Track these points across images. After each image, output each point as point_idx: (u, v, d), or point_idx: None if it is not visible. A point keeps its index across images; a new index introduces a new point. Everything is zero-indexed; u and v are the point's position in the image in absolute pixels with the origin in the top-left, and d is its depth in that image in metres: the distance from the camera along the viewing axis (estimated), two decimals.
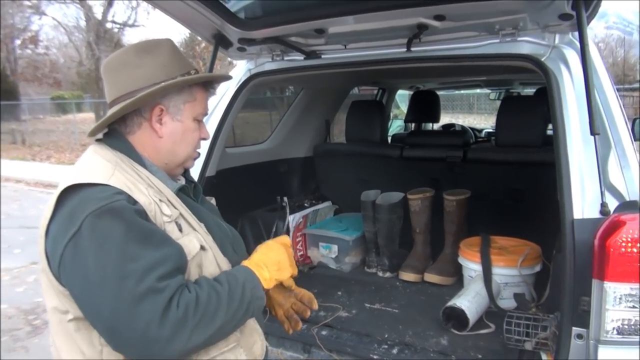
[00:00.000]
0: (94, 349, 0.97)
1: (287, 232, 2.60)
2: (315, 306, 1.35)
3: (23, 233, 5.73)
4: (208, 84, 1.19)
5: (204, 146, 1.97)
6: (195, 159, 1.20)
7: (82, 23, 20.16)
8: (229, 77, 1.40)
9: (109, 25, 19.86)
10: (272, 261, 1.12)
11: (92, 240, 0.90)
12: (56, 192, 0.97)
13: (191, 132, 1.14)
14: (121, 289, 0.87)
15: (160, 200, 1.04)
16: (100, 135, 1.13)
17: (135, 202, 0.97)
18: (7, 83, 19.64)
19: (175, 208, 1.07)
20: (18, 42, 19.64)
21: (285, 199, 2.65)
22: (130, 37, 20.98)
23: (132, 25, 20.49)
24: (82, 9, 19.13)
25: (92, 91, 20.97)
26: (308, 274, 2.57)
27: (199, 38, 2.16)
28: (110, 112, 1.07)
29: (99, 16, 19.22)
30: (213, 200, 1.33)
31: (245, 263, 1.11)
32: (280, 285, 1.37)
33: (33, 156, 13.27)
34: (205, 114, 1.19)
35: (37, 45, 19.92)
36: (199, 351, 0.98)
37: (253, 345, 1.17)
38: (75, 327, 0.98)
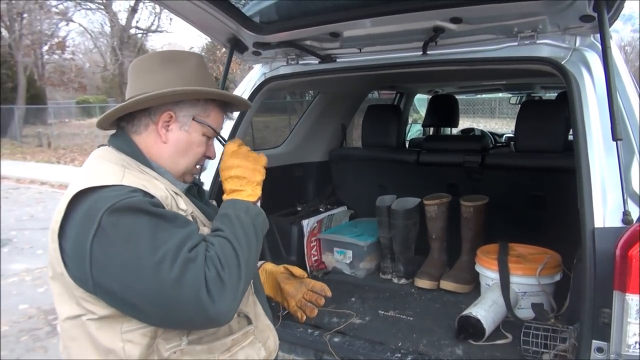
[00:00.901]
0: (117, 346, 0.97)
1: (301, 237, 2.59)
2: (329, 293, 1.35)
3: (46, 234, 5.81)
4: (226, 106, 1.20)
5: (217, 150, 1.97)
6: (195, 174, 1.20)
7: (107, 29, 20.71)
8: (243, 101, 1.27)
9: (132, 30, 20.33)
10: (238, 177, 1.14)
11: (118, 235, 0.90)
12: (66, 197, 0.97)
13: (196, 146, 1.15)
14: (161, 271, 0.89)
15: (176, 194, 1.07)
16: (104, 142, 1.14)
17: (152, 196, 0.98)
18: (35, 88, 20.20)
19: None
20: (46, 47, 20.17)
21: None
22: (154, 43, 21.47)
23: (155, 31, 20.93)
24: (107, 15, 19.62)
25: (116, 95, 21.47)
26: (322, 279, 2.54)
27: None
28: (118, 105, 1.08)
29: (123, 22, 19.69)
30: (214, 203, 1.33)
31: (223, 197, 1.13)
32: (291, 276, 1.37)
33: (58, 159, 13.58)
34: (216, 133, 1.18)
35: (64, 51, 20.41)
36: (243, 296, 1.02)
37: (267, 340, 1.20)
38: (97, 326, 0.97)
